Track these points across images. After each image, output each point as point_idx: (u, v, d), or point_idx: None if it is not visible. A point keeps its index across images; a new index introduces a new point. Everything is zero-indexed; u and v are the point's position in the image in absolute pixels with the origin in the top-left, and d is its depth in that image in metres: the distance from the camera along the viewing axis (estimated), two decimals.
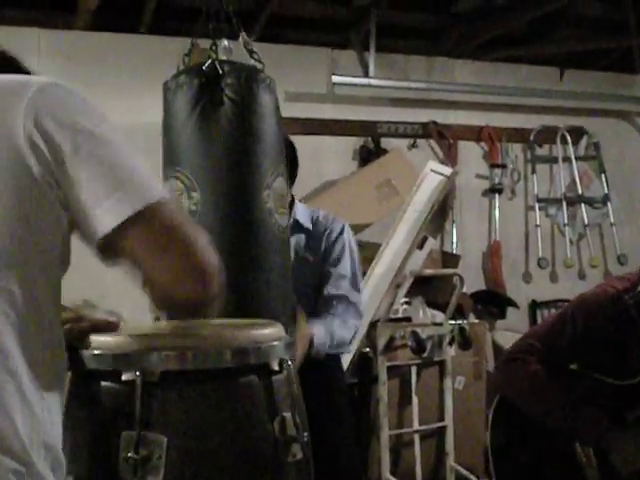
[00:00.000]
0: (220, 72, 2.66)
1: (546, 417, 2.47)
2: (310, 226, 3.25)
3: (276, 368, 1.65)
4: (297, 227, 3.19)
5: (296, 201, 3.29)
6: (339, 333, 3.17)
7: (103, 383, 1.60)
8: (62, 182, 1.27)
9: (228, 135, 2.62)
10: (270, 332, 1.72)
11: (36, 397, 1.30)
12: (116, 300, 4.71)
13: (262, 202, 2.64)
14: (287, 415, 1.65)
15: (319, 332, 3.07)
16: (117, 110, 5.13)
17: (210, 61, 2.74)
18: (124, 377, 1.56)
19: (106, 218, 1.27)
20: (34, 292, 1.31)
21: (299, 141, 5.83)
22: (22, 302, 1.28)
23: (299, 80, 5.93)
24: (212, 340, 1.64)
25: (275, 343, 1.68)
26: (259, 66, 2.92)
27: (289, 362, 1.67)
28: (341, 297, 3.21)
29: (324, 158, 5.97)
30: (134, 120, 4.40)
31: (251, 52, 3.03)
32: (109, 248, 1.32)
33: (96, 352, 1.62)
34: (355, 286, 3.27)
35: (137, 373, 1.55)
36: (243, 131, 2.63)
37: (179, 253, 1.33)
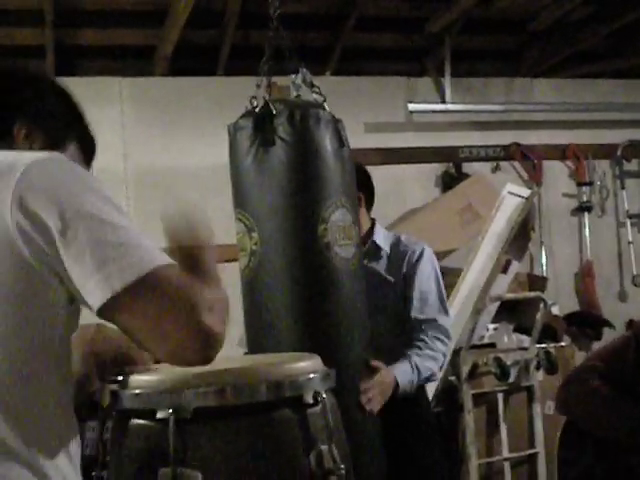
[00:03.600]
0: (272, 112, 2.70)
1: (610, 431, 2.40)
2: (388, 249, 3.24)
3: (310, 401, 1.65)
4: (376, 250, 3.17)
5: (377, 225, 3.27)
6: (425, 365, 3.12)
7: (140, 421, 1.64)
8: (55, 260, 1.26)
9: (280, 174, 2.66)
10: (304, 365, 1.72)
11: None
12: None
13: (318, 237, 2.66)
14: (324, 448, 1.64)
15: (404, 371, 3.03)
16: (196, 152, 5.32)
17: (263, 102, 2.79)
18: (159, 415, 1.59)
19: (96, 293, 1.25)
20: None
21: (381, 171, 5.87)
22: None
23: (377, 110, 5.95)
24: (245, 375, 1.66)
25: (309, 376, 1.69)
26: (319, 100, 2.94)
27: (324, 395, 1.67)
28: (429, 321, 3.17)
29: (406, 186, 5.96)
30: (214, 161, 4.47)
31: (312, 86, 3.06)
32: (111, 320, 1.31)
33: (133, 391, 1.65)
34: (443, 308, 3.23)
35: (170, 411, 1.57)
36: (293, 169, 2.66)
37: (178, 322, 1.28)
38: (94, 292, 1.25)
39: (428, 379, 3.17)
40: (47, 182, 1.29)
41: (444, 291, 3.30)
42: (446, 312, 3.25)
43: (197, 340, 1.29)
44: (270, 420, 1.62)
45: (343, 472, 1.64)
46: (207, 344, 1.30)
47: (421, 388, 3.32)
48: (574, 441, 2.54)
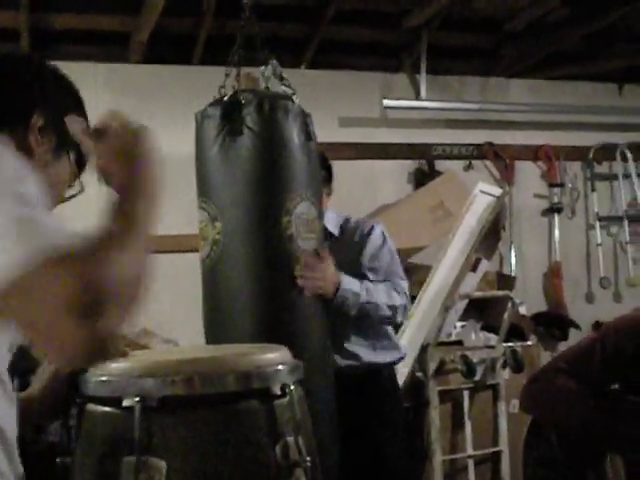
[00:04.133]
0: (241, 102, 2.70)
1: (573, 429, 2.42)
2: (337, 232, 3.26)
3: (278, 392, 1.65)
4: (326, 234, 3.18)
5: (327, 210, 3.28)
6: (378, 293, 3.11)
7: (105, 409, 1.62)
8: None
9: (247, 164, 2.66)
10: (272, 357, 1.72)
11: None
12: (174, 327, 4.81)
13: (281, 229, 2.66)
14: (290, 440, 1.64)
15: (351, 280, 3.02)
16: (170, 141, 5.24)
17: (232, 91, 2.78)
18: (125, 403, 1.58)
19: None
20: None
21: (354, 166, 5.87)
22: None
23: (352, 105, 5.94)
24: (213, 365, 1.65)
25: (277, 367, 1.68)
26: (288, 92, 2.94)
27: (292, 386, 1.67)
28: (384, 282, 3.19)
29: (379, 182, 5.96)
30: (188, 150, 4.45)
31: (281, 79, 3.06)
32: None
33: (99, 378, 1.64)
34: (396, 272, 3.24)
35: (136, 399, 1.56)
36: (260, 160, 2.67)
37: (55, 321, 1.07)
38: None
39: (383, 318, 3.16)
40: None
41: (398, 260, 3.31)
42: (401, 277, 3.27)
43: (72, 345, 1.08)
44: (237, 411, 1.62)
45: (309, 464, 1.64)
46: (75, 350, 1.09)
47: (392, 379, 3.34)
48: (539, 440, 2.56)
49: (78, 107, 1.60)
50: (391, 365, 3.41)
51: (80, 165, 1.58)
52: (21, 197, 1.13)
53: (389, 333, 3.38)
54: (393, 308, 3.16)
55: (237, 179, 2.66)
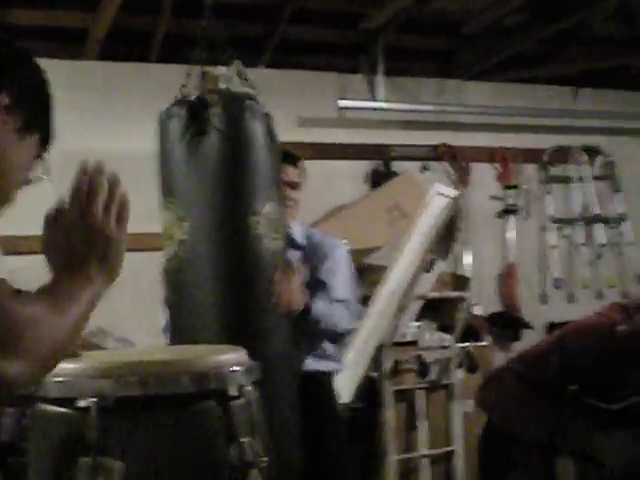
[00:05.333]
0: (208, 102, 2.69)
1: (526, 431, 2.45)
2: (304, 242, 3.28)
3: (234, 394, 1.66)
4: (291, 244, 3.20)
5: (292, 220, 3.30)
6: (338, 311, 3.18)
7: (60, 409, 1.62)
8: None
9: (214, 165, 2.65)
10: (229, 358, 1.73)
11: None
12: (131, 326, 4.79)
13: (250, 229, 2.66)
14: (246, 441, 1.64)
15: (318, 304, 3.09)
16: (127, 139, 5.25)
17: (199, 91, 2.78)
18: (80, 403, 1.58)
19: None
20: None
21: (312, 166, 5.86)
22: None
23: (310, 105, 5.95)
24: (169, 366, 1.65)
25: (233, 369, 1.69)
26: (252, 93, 2.93)
27: (249, 387, 1.67)
28: (338, 300, 3.23)
29: (336, 182, 5.97)
30: (145, 148, 4.43)
31: (244, 79, 3.05)
32: None
33: (54, 379, 1.63)
34: (351, 293, 3.29)
35: (92, 399, 1.56)
36: (228, 160, 2.67)
37: None
38: None
39: (336, 326, 3.19)
40: None
41: (354, 282, 3.36)
42: (354, 300, 3.35)
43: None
44: (193, 411, 1.62)
45: (264, 465, 1.65)
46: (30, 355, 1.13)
47: (328, 383, 3.36)
48: (494, 439, 2.58)
49: (48, 111, 1.57)
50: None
51: (45, 148, 1.56)
52: None
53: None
54: (347, 331, 3.25)
55: (204, 180, 2.66)
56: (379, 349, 4.37)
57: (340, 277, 3.28)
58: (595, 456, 2.35)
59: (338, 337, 3.28)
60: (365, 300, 4.32)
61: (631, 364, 2.37)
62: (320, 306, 3.09)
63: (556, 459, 2.42)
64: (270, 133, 2.83)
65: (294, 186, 3.35)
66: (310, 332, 3.10)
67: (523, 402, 2.44)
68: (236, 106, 2.70)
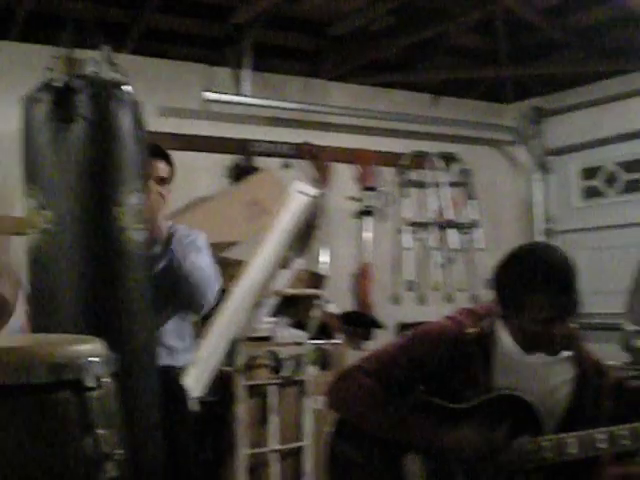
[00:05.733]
0: (74, 89, 2.62)
1: (374, 428, 2.51)
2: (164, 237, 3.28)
3: (91, 384, 1.62)
4: (152, 240, 3.17)
5: (159, 215, 3.28)
6: (196, 259, 3.27)
7: None
8: None
9: (79, 153, 2.58)
10: (86, 348, 1.69)
11: None
12: None
13: (113, 219, 2.61)
14: (102, 432, 1.62)
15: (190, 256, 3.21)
16: None
17: (66, 76, 2.70)
18: None
19: None
20: None
21: (172, 156, 5.79)
22: None
23: (173, 95, 5.89)
24: (24, 355, 1.60)
25: (90, 359, 1.65)
26: (121, 80, 2.87)
27: (106, 379, 1.64)
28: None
29: (196, 174, 5.93)
30: (3, 129, 4.28)
31: (113, 65, 2.98)
32: None
33: None
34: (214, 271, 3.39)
35: None
36: (92, 148, 2.60)
37: None
38: None
39: (194, 271, 3.26)
40: None
41: (215, 267, 3.44)
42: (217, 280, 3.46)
43: None
44: (48, 402, 1.58)
45: (120, 457, 1.63)
46: None
47: (179, 377, 3.35)
48: (343, 437, 2.63)
49: None
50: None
51: None
52: None
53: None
54: (207, 276, 3.31)
55: (69, 168, 2.58)
56: (233, 344, 4.36)
57: (206, 256, 3.37)
58: (444, 453, 2.43)
59: (202, 302, 3.33)
60: (221, 293, 4.31)
61: (480, 365, 2.46)
62: (193, 257, 3.20)
63: (404, 456, 2.49)
64: (138, 122, 2.78)
65: (164, 182, 3.34)
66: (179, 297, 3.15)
67: (373, 401, 2.49)
68: (104, 93, 2.64)
